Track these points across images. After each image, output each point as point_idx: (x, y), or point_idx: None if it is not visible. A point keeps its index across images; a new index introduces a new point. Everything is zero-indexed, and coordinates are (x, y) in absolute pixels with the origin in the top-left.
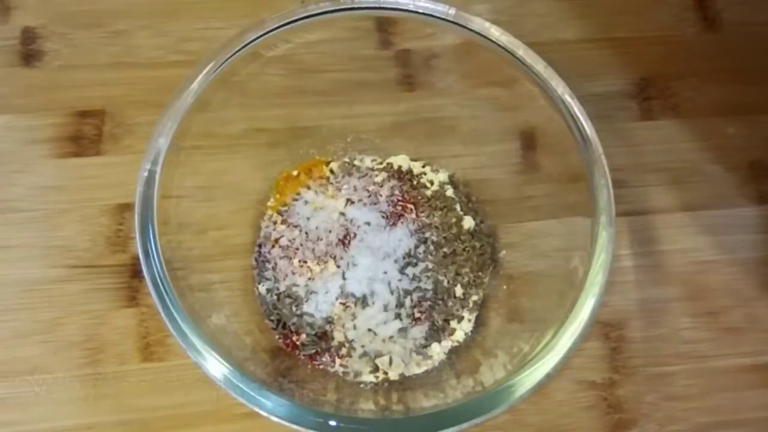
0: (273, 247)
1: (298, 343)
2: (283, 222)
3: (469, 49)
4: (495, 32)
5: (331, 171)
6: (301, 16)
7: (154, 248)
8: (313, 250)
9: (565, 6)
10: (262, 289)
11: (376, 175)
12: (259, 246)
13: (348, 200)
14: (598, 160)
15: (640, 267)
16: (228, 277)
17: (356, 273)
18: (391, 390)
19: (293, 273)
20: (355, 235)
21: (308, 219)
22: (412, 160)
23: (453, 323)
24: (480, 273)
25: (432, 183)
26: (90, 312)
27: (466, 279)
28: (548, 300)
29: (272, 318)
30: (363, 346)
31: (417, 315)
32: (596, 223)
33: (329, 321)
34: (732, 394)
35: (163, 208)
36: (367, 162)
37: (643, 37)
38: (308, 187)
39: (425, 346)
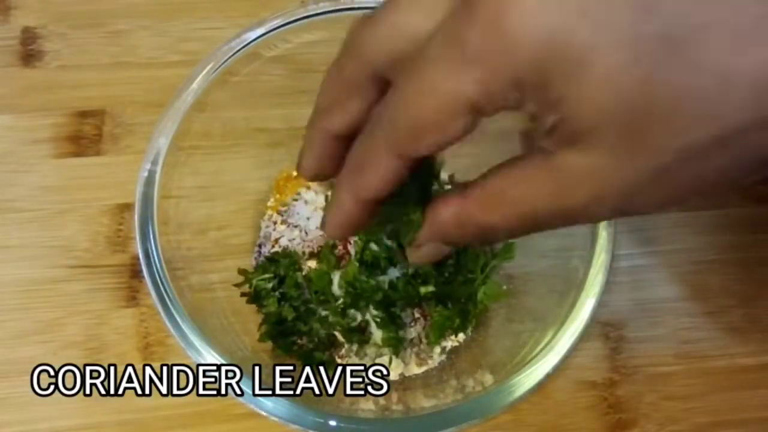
0: (273, 247)
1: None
2: (283, 222)
3: None
4: None
5: None
6: (301, 16)
7: (154, 248)
8: (313, 250)
9: None
10: None
11: None
12: (259, 246)
13: None
14: None
15: (640, 267)
16: (228, 277)
17: None
18: (391, 390)
19: None
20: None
21: (308, 219)
22: None
23: None
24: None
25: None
26: (90, 312)
27: None
28: (548, 300)
29: None
30: (363, 346)
31: (417, 315)
32: (596, 222)
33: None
34: (732, 394)
35: (163, 208)
36: None
37: None
38: (308, 187)
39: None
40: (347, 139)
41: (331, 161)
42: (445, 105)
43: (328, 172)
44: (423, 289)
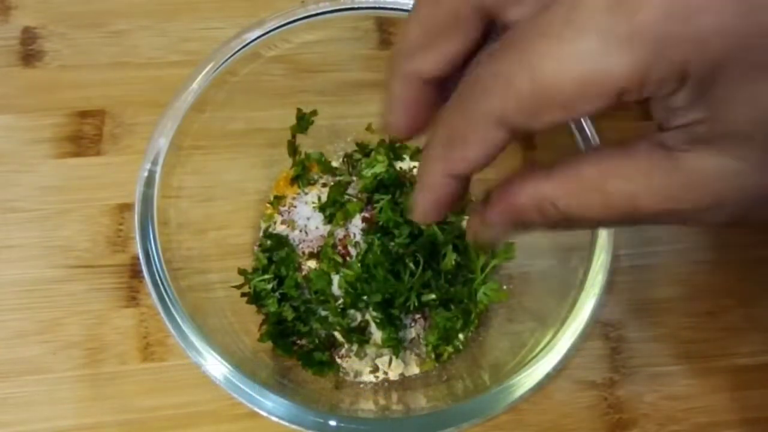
0: None
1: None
2: (283, 222)
3: None
4: None
5: None
6: (301, 16)
7: (154, 248)
8: (314, 250)
9: None
10: None
11: None
12: (260, 246)
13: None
14: None
15: (640, 267)
16: (228, 277)
17: None
18: (391, 390)
19: None
20: (355, 234)
21: (308, 219)
22: (413, 160)
23: None
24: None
25: None
26: (90, 312)
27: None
28: (548, 300)
29: None
30: (363, 346)
31: (417, 316)
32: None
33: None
34: (732, 394)
35: (163, 208)
36: None
37: None
38: (308, 187)
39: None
40: (439, 87)
41: (424, 112)
42: (590, 81)
43: (419, 127)
44: (425, 298)
